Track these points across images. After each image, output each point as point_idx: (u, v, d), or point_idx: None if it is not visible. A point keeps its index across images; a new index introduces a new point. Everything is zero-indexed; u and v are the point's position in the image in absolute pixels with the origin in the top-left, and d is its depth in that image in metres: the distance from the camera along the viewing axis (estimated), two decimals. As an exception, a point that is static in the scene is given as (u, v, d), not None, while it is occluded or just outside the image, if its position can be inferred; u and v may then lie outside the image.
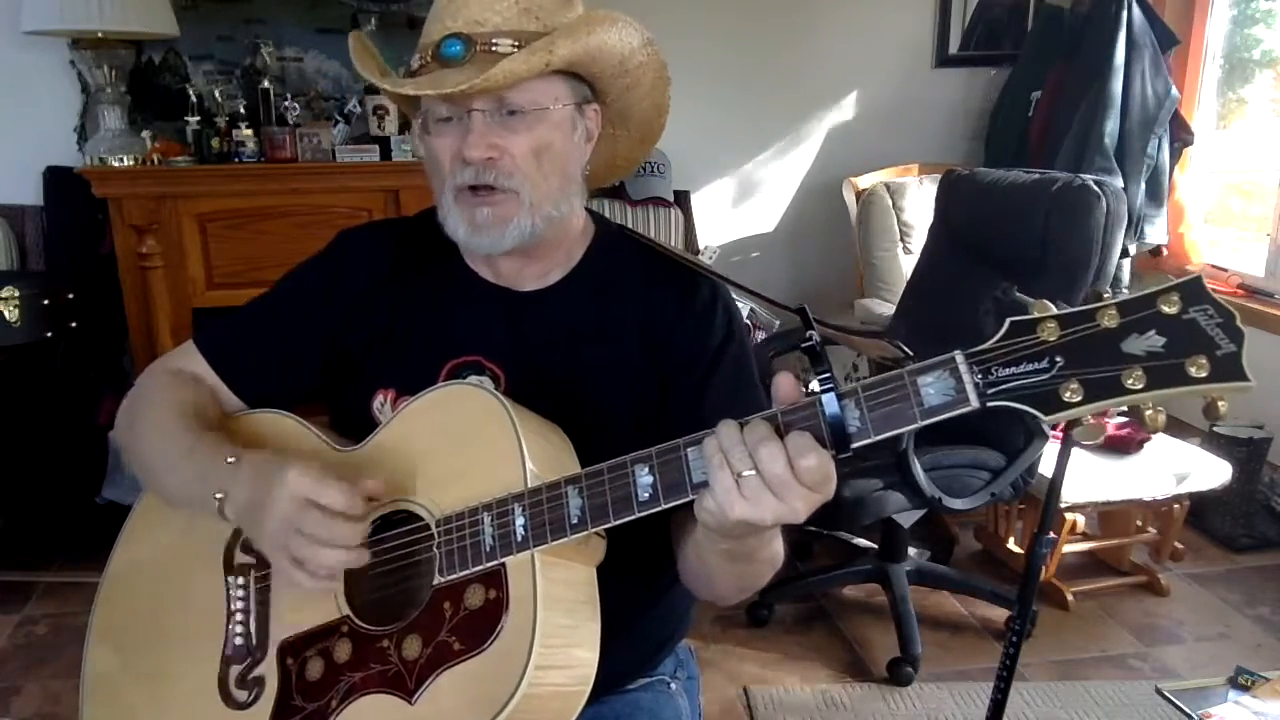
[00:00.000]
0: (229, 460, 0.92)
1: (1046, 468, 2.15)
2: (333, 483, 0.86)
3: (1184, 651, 2.32)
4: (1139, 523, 2.62)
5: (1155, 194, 3.18)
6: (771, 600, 2.44)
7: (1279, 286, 2.97)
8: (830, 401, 0.72)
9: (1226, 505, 2.79)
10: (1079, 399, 0.66)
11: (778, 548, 0.91)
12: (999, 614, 2.45)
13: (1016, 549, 2.63)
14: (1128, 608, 2.51)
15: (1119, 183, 2.94)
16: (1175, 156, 3.21)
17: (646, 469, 0.80)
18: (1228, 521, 2.82)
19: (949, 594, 2.53)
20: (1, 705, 2.11)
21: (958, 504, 2.15)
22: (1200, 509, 2.74)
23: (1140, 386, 0.65)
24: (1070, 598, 2.48)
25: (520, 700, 0.78)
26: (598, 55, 0.97)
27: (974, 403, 0.69)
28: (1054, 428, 2.21)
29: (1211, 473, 2.48)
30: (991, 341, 0.69)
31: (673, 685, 1.17)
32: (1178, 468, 2.46)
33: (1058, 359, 0.67)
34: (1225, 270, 3.18)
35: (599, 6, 0.99)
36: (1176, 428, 2.89)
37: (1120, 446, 2.51)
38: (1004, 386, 0.68)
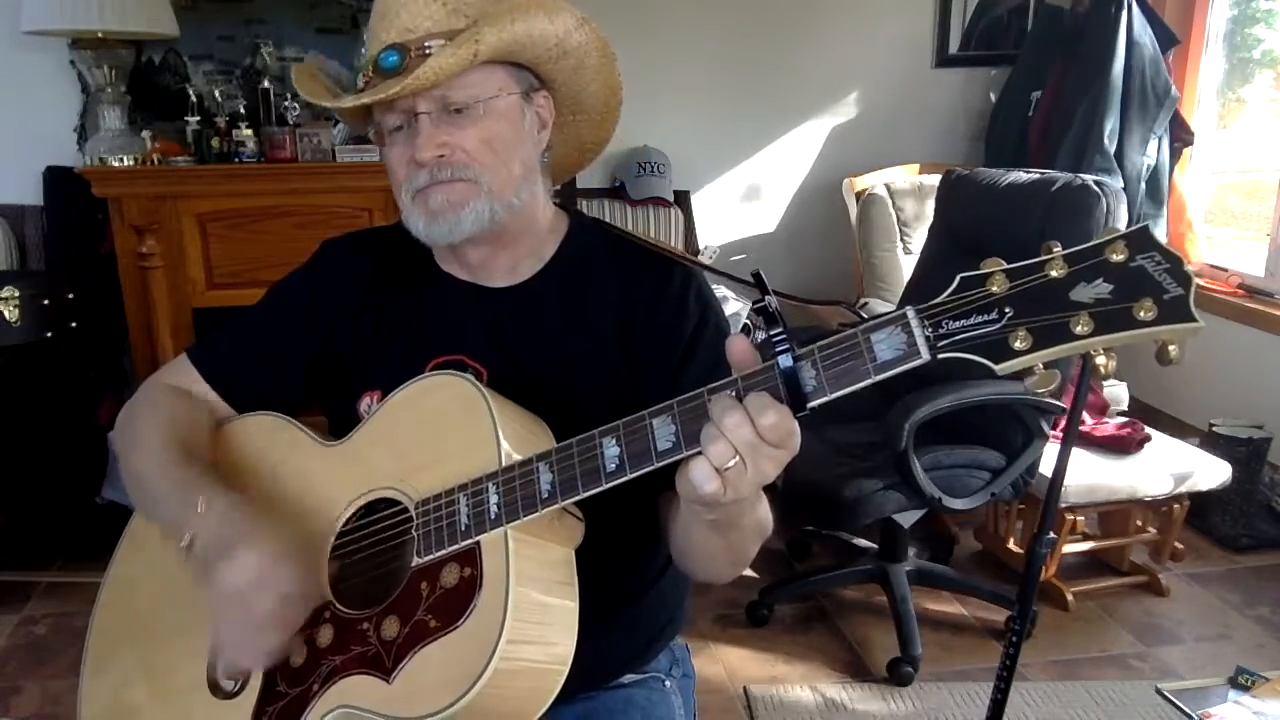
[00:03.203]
0: (199, 507, 0.94)
1: (1046, 468, 2.14)
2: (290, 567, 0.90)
3: (1184, 651, 2.32)
4: (1139, 523, 2.62)
5: (1155, 194, 3.18)
6: (771, 600, 2.43)
7: (1279, 286, 2.97)
8: (785, 361, 0.74)
9: (1226, 505, 2.78)
10: (1028, 346, 0.67)
11: (763, 512, 0.92)
12: (999, 614, 2.44)
13: (1016, 549, 2.62)
14: (1128, 608, 2.50)
15: (1119, 183, 2.94)
16: (1175, 156, 3.21)
17: (613, 440, 0.81)
18: (1228, 521, 2.82)
19: (949, 594, 2.53)
20: (1, 705, 2.11)
21: (958, 504, 2.14)
22: (1200, 509, 2.73)
23: (1088, 331, 0.65)
24: (1070, 598, 2.47)
25: (492, 675, 0.79)
26: (527, 42, 0.97)
27: (924, 355, 0.70)
28: (1054, 427, 2.23)
29: (1211, 473, 2.47)
30: (942, 296, 0.71)
31: (667, 683, 1.17)
32: (1178, 468, 2.46)
33: (1007, 310, 0.68)
34: (1225, 270, 3.17)
35: (586, 8, 1.00)
36: (1176, 428, 2.90)
37: (1120, 446, 2.51)
38: (954, 338, 0.69)
